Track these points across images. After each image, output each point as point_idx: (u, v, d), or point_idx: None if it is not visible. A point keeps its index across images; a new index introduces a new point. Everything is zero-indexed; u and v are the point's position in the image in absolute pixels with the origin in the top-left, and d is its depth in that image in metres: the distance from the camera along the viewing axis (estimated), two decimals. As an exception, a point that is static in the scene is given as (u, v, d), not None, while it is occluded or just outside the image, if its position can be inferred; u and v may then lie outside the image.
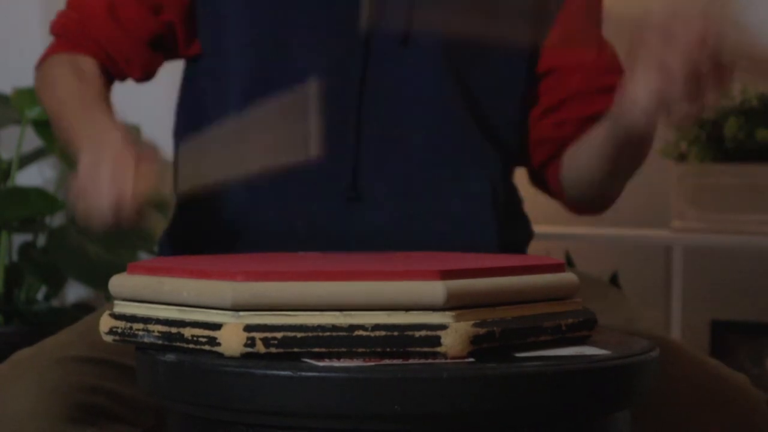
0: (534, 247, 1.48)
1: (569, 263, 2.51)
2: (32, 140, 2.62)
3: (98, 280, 2.39)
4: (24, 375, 1.16)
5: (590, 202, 1.45)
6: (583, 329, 0.99)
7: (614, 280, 2.48)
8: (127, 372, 1.19)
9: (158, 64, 1.48)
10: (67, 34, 1.46)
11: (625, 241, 2.52)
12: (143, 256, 2.55)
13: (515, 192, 1.46)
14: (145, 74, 1.47)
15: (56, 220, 2.68)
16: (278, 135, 1.15)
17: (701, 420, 1.22)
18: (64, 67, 1.43)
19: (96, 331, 1.23)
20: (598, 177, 1.39)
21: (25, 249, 2.61)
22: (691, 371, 1.25)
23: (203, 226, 1.39)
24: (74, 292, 2.77)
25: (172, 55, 1.47)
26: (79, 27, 1.45)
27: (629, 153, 1.34)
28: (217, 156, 1.21)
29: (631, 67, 1.17)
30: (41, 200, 2.51)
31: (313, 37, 1.37)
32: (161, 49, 1.46)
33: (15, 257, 2.62)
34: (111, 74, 1.45)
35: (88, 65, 1.43)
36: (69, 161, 2.51)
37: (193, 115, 1.45)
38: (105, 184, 1.20)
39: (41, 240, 2.65)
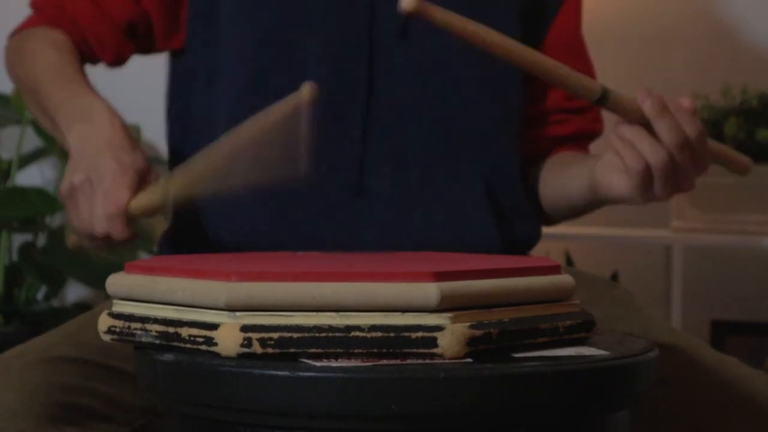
0: (534, 247, 1.47)
1: (569, 263, 2.51)
2: (32, 140, 2.62)
3: (98, 280, 2.38)
4: (6, 374, 1.16)
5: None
6: (581, 331, 0.99)
7: (614, 280, 2.47)
8: (115, 373, 1.19)
9: (130, 52, 1.47)
10: (45, 9, 1.46)
11: (625, 241, 2.52)
12: (143, 256, 2.55)
13: (520, 192, 1.45)
14: (117, 59, 1.46)
15: (56, 220, 2.68)
16: (268, 152, 1.15)
17: (729, 419, 1.21)
18: (41, 41, 1.42)
19: (84, 332, 1.23)
20: (558, 210, 1.48)
21: (25, 249, 2.61)
22: (715, 369, 1.25)
23: (203, 225, 1.39)
24: (74, 292, 2.77)
25: (145, 46, 1.47)
26: (57, 4, 1.45)
27: (596, 206, 1.43)
28: (208, 169, 1.21)
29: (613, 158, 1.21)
30: (41, 200, 2.51)
31: (318, 32, 1.36)
32: (135, 37, 1.45)
33: (15, 257, 2.62)
34: (83, 56, 1.45)
35: (64, 42, 1.42)
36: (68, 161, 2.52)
37: (184, 116, 1.45)
38: (99, 204, 1.20)
39: (41, 240, 2.65)
